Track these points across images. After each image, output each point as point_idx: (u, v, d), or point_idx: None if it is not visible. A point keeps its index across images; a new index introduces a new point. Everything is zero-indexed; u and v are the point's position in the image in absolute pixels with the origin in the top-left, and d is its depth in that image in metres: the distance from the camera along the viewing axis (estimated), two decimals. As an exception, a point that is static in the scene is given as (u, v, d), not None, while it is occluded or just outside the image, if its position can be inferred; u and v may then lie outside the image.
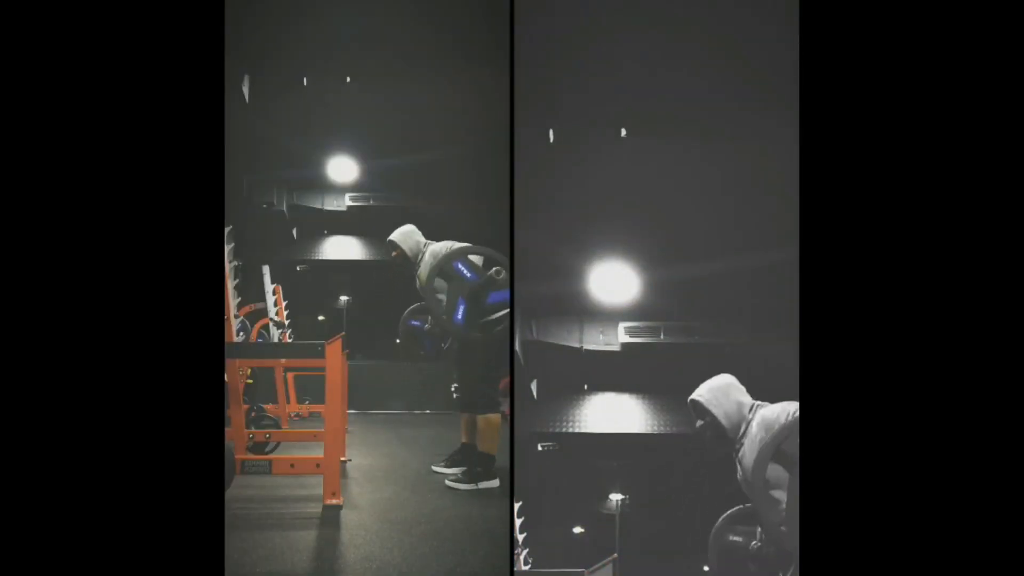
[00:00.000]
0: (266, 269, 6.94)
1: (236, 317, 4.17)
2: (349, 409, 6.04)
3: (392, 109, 7.33)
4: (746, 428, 2.38)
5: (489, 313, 3.50)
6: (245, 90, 6.75)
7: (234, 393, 3.42)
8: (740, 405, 2.42)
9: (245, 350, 4.09)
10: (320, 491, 2.94)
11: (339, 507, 2.88)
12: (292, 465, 3.04)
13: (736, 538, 2.57)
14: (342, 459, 3.63)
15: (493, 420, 3.57)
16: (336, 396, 3.04)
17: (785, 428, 2.23)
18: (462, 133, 7.36)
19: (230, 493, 3.02)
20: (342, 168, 9.25)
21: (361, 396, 8.76)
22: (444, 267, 3.46)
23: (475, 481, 3.45)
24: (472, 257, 3.51)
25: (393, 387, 9.87)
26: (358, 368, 8.78)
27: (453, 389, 6.00)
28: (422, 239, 3.85)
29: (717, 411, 2.41)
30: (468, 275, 3.47)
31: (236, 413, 3.46)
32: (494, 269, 3.46)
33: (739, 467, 2.43)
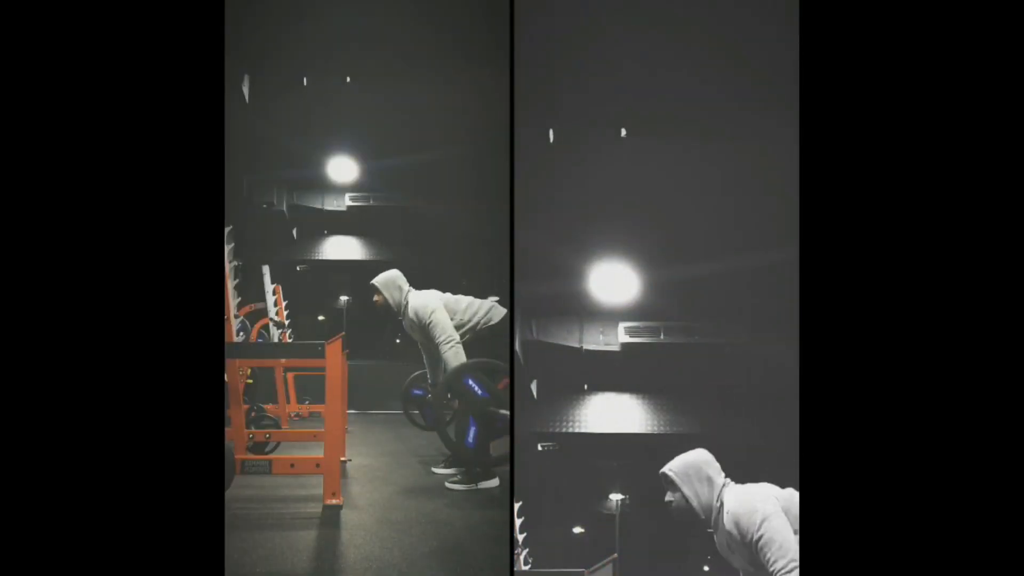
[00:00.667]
0: (266, 269, 6.93)
1: (236, 317, 4.16)
2: (349, 409, 6.03)
3: (392, 109, 7.33)
4: (718, 514, 2.36)
5: (500, 434, 3.34)
6: (245, 90, 6.76)
7: (234, 393, 3.42)
8: (711, 484, 2.38)
9: (245, 350, 4.09)
10: (320, 491, 2.94)
11: (339, 507, 2.88)
12: (292, 465, 3.04)
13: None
14: (342, 459, 3.63)
15: (492, 420, 3.57)
16: (336, 396, 3.04)
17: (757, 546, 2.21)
18: (462, 133, 7.35)
19: (230, 493, 3.02)
20: (342, 168, 9.23)
21: (361, 396, 8.74)
22: (454, 384, 3.35)
23: (475, 481, 3.45)
24: (480, 372, 3.36)
25: (393, 387, 9.83)
26: (358, 368, 8.75)
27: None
28: (405, 286, 3.79)
29: (687, 489, 2.38)
30: (480, 392, 3.33)
31: (236, 413, 3.46)
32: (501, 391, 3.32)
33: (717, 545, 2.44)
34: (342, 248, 11.57)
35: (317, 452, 3.05)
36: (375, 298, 3.79)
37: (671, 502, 2.42)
